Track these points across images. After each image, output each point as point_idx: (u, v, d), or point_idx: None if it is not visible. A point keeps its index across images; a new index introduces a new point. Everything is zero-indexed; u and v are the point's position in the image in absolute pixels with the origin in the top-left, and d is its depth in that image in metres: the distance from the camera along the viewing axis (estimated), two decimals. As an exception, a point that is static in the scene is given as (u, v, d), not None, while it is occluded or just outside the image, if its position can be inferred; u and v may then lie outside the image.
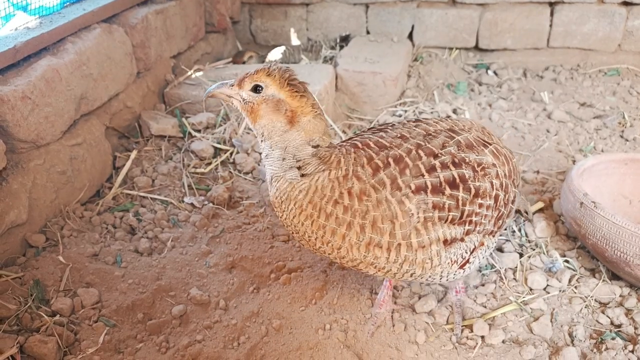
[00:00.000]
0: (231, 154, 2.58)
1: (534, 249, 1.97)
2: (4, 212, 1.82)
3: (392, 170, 1.37)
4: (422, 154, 1.41)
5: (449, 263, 1.45)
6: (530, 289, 1.80)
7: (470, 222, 1.44)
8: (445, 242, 1.41)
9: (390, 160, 1.39)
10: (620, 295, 1.76)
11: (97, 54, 2.32)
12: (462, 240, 1.44)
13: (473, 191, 1.43)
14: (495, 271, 1.87)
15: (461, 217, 1.41)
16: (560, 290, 1.79)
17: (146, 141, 2.62)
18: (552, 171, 2.48)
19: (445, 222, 1.39)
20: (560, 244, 2.01)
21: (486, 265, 1.88)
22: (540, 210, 2.16)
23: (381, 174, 1.36)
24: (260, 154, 2.58)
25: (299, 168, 1.37)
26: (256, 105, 1.38)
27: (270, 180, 1.43)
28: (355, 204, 1.35)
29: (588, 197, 1.77)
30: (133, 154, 2.45)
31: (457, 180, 1.41)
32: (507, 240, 1.99)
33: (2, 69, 1.94)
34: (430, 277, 1.48)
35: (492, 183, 1.48)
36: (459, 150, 1.46)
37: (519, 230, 2.05)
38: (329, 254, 1.42)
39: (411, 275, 1.45)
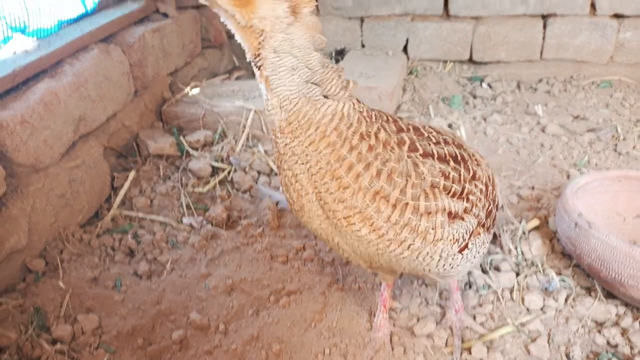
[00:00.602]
0: (229, 172, 2.59)
1: (530, 268, 1.99)
2: (4, 238, 1.83)
3: (412, 133, 1.36)
4: (429, 132, 1.44)
5: (450, 240, 1.40)
6: (527, 309, 1.82)
7: (469, 199, 1.43)
8: (449, 214, 1.37)
9: (410, 126, 1.39)
10: (616, 315, 1.79)
11: (95, 75, 2.34)
12: (462, 218, 1.42)
13: (471, 172, 1.45)
14: (492, 291, 1.89)
15: (461, 193, 1.40)
16: (556, 310, 1.82)
17: (144, 160, 2.64)
18: (547, 187, 2.51)
19: (449, 193, 1.37)
20: (556, 262, 2.03)
21: (483, 285, 1.90)
22: (536, 227, 2.18)
23: (403, 133, 1.34)
24: (258, 172, 2.60)
25: (316, 85, 1.21)
26: None
27: (281, 103, 1.21)
28: (379, 147, 1.26)
29: (583, 217, 1.79)
30: (131, 175, 2.46)
31: (459, 157, 1.43)
32: (503, 259, 2.01)
33: (1, 93, 1.95)
34: (428, 255, 1.39)
35: (483, 172, 1.53)
36: (454, 140, 1.52)
37: (515, 248, 2.07)
38: (330, 192, 1.27)
39: (408, 248, 1.35)
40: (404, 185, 1.28)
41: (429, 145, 1.38)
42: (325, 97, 1.21)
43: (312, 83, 1.19)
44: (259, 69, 1.19)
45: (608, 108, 3.27)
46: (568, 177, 2.58)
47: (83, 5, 2.58)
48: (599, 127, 3.02)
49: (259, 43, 1.16)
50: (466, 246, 1.49)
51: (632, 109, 3.25)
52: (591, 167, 2.65)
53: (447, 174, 1.37)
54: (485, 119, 3.17)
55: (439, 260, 1.43)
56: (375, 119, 1.29)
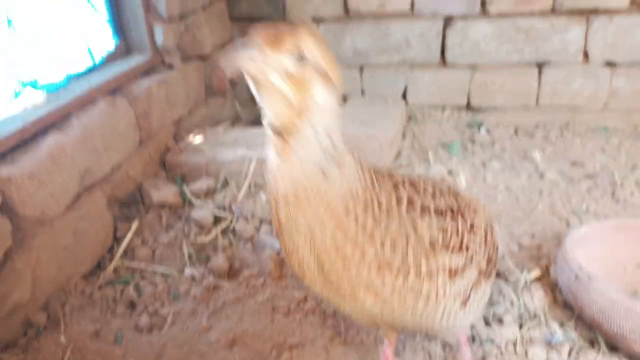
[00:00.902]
0: (231, 221, 2.61)
1: (533, 320, 1.99)
2: (8, 293, 1.84)
3: (408, 187, 1.35)
4: (425, 183, 1.44)
5: (453, 296, 1.40)
6: (531, 364, 1.81)
7: (468, 250, 1.43)
8: (450, 272, 1.36)
9: (406, 180, 1.38)
10: (620, 368, 1.78)
11: (101, 127, 2.39)
12: (462, 271, 1.41)
13: (469, 222, 1.45)
14: (495, 345, 1.88)
15: (461, 245, 1.39)
16: (560, 364, 1.81)
17: (147, 210, 2.66)
18: (547, 235, 2.52)
19: (448, 248, 1.36)
20: (558, 313, 2.03)
21: (486, 339, 1.90)
22: (538, 277, 2.19)
23: (400, 188, 1.32)
24: (260, 220, 2.62)
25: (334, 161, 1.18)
26: (307, 77, 1.08)
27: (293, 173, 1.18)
28: (383, 216, 1.24)
29: (583, 269, 1.80)
30: (134, 226, 2.48)
31: (455, 208, 1.43)
32: (506, 311, 2.01)
33: (11, 148, 2.00)
34: (431, 314, 1.39)
35: (481, 219, 1.53)
36: (449, 189, 1.53)
37: (518, 299, 2.07)
38: (334, 267, 1.25)
39: (411, 313, 1.35)
40: (405, 249, 1.28)
41: (426, 198, 1.39)
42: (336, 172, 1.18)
43: (331, 159, 1.16)
44: (281, 135, 1.12)
45: (604, 154, 3.32)
46: (568, 224, 2.60)
47: (91, 59, 2.66)
48: (596, 173, 3.06)
49: (299, 118, 1.10)
50: (468, 298, 1.48)
51: (628, 155, 3.30)
52: (590, 214, 2.68)
53: (445, 228, 1.37)
54: (484, 165, 3.22)
55: (441, 317, 1.43)
56: (377, 182, 1.29)
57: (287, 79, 1.04)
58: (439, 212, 1.39)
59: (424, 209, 1.36)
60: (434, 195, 1.42)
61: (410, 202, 1.34)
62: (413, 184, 1.41)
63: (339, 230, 1.20)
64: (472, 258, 1.45)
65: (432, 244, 1.33)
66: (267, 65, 1.03)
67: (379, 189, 1.28)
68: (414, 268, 1.29)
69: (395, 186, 1.35)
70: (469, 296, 1.48)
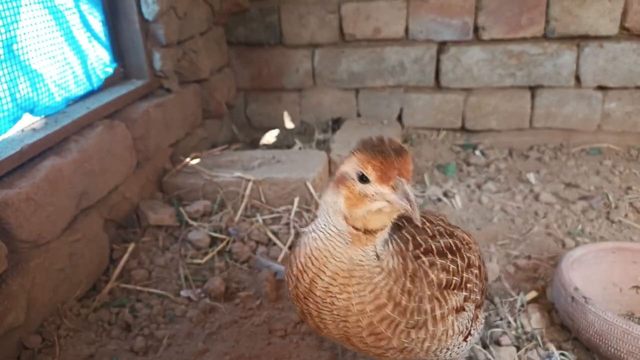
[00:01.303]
0: (227, 242, 2.61)
1: (530, 341, 1.98)
2: (3, 316, 1.82)
3: (410, 228, 1.45)
4: (423, 219, 1.50)
5: (457, 333, 1.46)
6: (529, 386, 1.80)
7: (467, 288, 1.48)
8: (456, 310, 1.43)
9: (405, 220, 1.46)
10: (618, 391, 1.77)
11: (99, 151, 2.41)
12: (463, 309, 1.47)
13: (466, 260, 1.51)
14: (493, 367, 1.87)
15: (461, 284, 1.45)
16: (558, 386, 1.80)
17: (143, 231, 2.66)
18: (543, 256, 2.53)
19: (453, 288, 1.43)
20: (555, 334, 2.03)
21: (484, 361, 1.89)
22: (535, 299, 2.19)
23: (403, 231, 1.43)
24: (257, 242, 2.62)
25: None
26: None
27: (354, 254, 1.25)
28: (413, 285, 1.33)
29: (579, 292, 1.81)
30: (130, 248, 2.48)
31: (454, 247, 1.49)
32: (503, 333, 2.01)
33: (9, 171, 2.01)
34: (439, 350, 1.45)
35: (475, 255, 1.58)
36: (446, 225, 1.59)
37: (515, 321, 2.07)
38: (363, 342, 1.33)
39: (426, 353, 1.42)
40: (427, 306, 1.34)
41: (428, 240, 1.46)
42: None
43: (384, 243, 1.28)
44: (365, 233, 1.22)
45: (599, 175, 3.35)
46: (563, 245, 2.61)
47: (90, 83, 2.69)
48: (590, 194, 3.08)
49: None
50: (469, 334, 1.54)
51: (622, 177, 3.33)
52: (585, 235, 2.69)
53: (448, 269, 1.43)
54: (479, 187, 3.24)
55: (447, 351, 1.48)
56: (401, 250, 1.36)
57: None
58: (441, 254, 1.45)
59: (427, 251, 1.42)
60: (433, 237, 1.48)
61: (415, 241, 1.42)
62: (412, 223, 1.47)
63: (378, 315, 1.28)
64: (470, 294, 1.50)
65: (439, 286, 1.40)
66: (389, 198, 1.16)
67: (399, 255, 1.34)
68: (431, 317, 1.36)
69: (399, 228, 1.44)
70: (470, 331, 1.53)
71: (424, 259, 1.40)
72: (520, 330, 2.03)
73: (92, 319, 2.13)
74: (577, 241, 2.63)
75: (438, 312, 1.37)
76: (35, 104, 2.31)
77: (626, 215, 2.83)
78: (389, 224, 1.26)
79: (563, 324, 2.06)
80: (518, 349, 1.94)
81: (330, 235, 1.25)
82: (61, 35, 2.47)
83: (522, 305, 2.13)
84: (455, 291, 1.43)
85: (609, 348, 1.70)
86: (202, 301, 2.24)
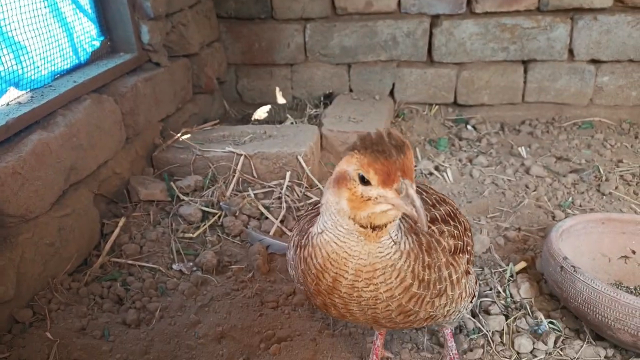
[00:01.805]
0: (219, 217, 2.61)
1: (519, 310, 2.00)
2: (-8, 290, 1.82)
3: None
4: (421, 190, 1.53)
5: (468, 295, 1.51)
6: (518, 353, 1.82)
7: (468, 251, 1.52)
8: (466, 273, 1.47)
9: None
10: (605, 357, 1.79)
11: (87, 125, 2.38)
12: (469, 272, 1.52)
13: (463, 224, 1.55)
14: (482, 335, 1.89)
15: (464, 247, 1.49)
16: (546, 353, 1.82)
17: (134, 206, 2.65)
18: (533, 228, 2.55)
19: (459, 252, 1.46)
20: (544, 304, 2.05)
21: (473, 329, 1.91)
22: (524, 269, 2.21)
23: None
24: (248, 216, 2.62)
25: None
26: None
27: (377, 250, 1.24)
28: (430, 257, 1.34)
29: (568, 261, 1.82)
30: (121, 222, 2.47)
31: (452, 213, 1.52)
32: (492, 302, 2.03)
33: (-6, 145, 1.98)
34: (455, 313, 1.49)
35: (464, 218, 1.62)
36: (436, 193, 1.62)
37: (504, 291, 2.09)
38: (392, 321, 1.35)
39: (444, 317, 1.46)
40: (445, 273, 1.37)
41: (431, 209, 1.48)
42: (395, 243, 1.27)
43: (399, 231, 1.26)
44: (374, 230, 1.18)
45: (590, 149, 3.36)
46: (553, 218, 2.63)
47: (76, 57, 2.65)
48: (581, 168, 3.09)
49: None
50: (474, 295, 1.58)
51: (613, 150, 3.34)
52: (575, 208, 2.71)
53: (454, 234, 1.46)
54: (471, 161, 3.24)
55: (458, 313, 1.52)
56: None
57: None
58: (445, 221, 1.47)
59: (434, 221, 1.44)
60: (434, 206, 1.50)
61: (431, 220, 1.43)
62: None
63: (406, 295, 1.28)
64: (470, 256, 1.54)
65: (451, 252, 1.42)
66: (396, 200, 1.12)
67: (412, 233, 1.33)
68: (449, 282, 1.38)
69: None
70: (474, 290, 1.59)
71: (433, 228, 1.40)
72: (509, 300, 2.05)
73: (84, 293, 2.13)
74: (567, 213, 2.64)
75: (454, 277, 1.40)
76: (20, 78, 2.27)
77: (616, 188, 2.85)
78: (398, 218, 1.22)
79: (552, 293, 2.08)
80: (507, 317, 1.96)
81: (342, 235, 1.21)
82: (46, 7, 2.42)
83: (512, 276, 2.15)
84: (461, 255, 1.47)
85: (597, 315, 1.72)
86: (194, 274, 2.25)
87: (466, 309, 1.57)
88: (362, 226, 1.18)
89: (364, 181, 1.11)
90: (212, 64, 3.67)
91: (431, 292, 1.33)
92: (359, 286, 1.25)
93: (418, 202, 1.07)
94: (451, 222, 1.50)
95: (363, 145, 1.11)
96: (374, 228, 1.18)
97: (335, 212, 1.20)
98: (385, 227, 1.19)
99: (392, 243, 1.24)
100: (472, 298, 1.57)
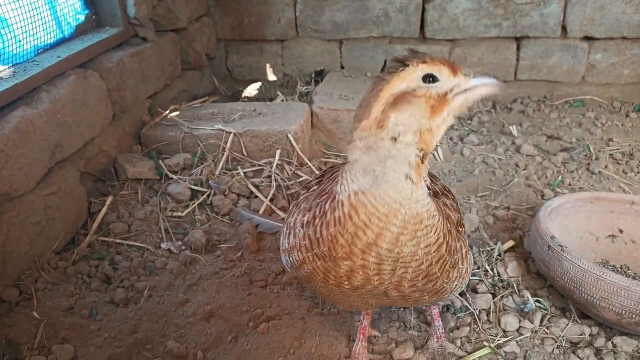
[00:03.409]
0: (208, 195, 2.59)
1: (506, 289, 2.02)
2: (-24, 269, 1.80)
3: None
4: None
5: (469, 270, 1.52)
6: (504, 331, 1.84)
7: (463, 224, 1.54)
8: (470, 247, 1.51)
9: None
10: (589, 335, 1.82)
11: (72, 101, 2.33)
12: (471, 247, 1.55)
13: (455, 200, 1.57)
14: (469, 313, 1.91)
15: (461, 220, 1.51)
16: (532, 331, 1.84)
17: (122, 185, 2.62)
18: (522, 207, 2.55)
19: (460, 225, 1.48)
20: (531, 282, 2.07)
21: (460, 308, 1.92)
22: (512, 248, 2.22)
23: None
24: (238, 195, 2.60)
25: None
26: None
27: (421, 197, 1.20)
28: (445, 224, 1.33)
29: (555, 240, 1.83)
30: (108, 200, 2.44)
31: (444, 189, 1.54)
32: (480, 281, 2.04)
33: (-25, 122, 1.94)
34: (459, 288, 1.50)
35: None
36: None
37: (492, 269, 2.10)
38: (414, 286, 1.32)
39: (451, 292, 1.46)
40: (456, 243, 1.37)
41: (430, 184, 1.43)
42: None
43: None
44: (421, 164, 1.16)
45: (581, 127, 3.36)
46: (542, 197, 2.63)
47: (60, 31, 2.58)
48: (572, 146, 3.09)
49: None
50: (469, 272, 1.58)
51: (604, 128, 3.34)
52: (565, 186, 2.71)
53: (454, 208, 1.47)
54: (462, 140, 3.23)
55: (460, 289, 1.52)
56: None
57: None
58: (444, 195, 1.47)
59: (436, 194, 1.44)
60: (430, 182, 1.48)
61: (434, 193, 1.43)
62: None
63: (437, 254, 1.27)
64: (465, 230, 1.56)
65: (456, 225, 1.42)
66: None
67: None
68: (460, 255, 1.39)
69: None
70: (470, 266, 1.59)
71: (438, 201, 1.39)
72: (496, 279, 2.06)
73: (71, 272, 2.11)
74: (557, 192, 2.65)
75: (464, 250, 1.41)
76: (2, 52, 2.20)
77: (606, 167, 2.85)
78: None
79: (539, 272, 2.10)
80: (494, 296, 1.98)
81: (399, 185, 1.15)
82: (26, -21, 2.34)
83: (499, 255, 2.16)
84: (462, 229, 1.48)
85: (583, 294, 1.73)
86: (182, 253, 2.24)
87: (462, 288, 1.56)
88: (421, 154, 1.15)
89: (433, 80, 1.11)
90: (201, 39, 3.60)
91: (451, 259, 1.34)
92: (403, 240, 1.20)
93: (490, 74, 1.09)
94: (449, 196, 1.51)
95: (403, 58, 1.11)
96: (423, 159, 1.16)
97: (394, 150, 1.13)
98: (428, 155, 1.18)
99: (427, 190, 1.23)
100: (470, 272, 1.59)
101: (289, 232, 1.43)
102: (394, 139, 1.13)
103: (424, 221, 1.21)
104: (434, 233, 1.24)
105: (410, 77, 1.10)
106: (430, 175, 1.55)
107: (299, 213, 1.41)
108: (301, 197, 1.50)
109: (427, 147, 1.15)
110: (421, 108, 1.11)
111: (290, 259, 1.42)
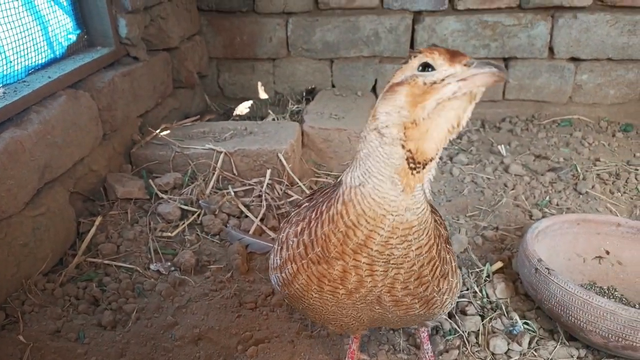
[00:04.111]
0: (198, 215, 2.59)
1: (494, 311, 2.03)
2: (-38, 293, 1.78)
3: None
4: None
5: (459, 288, 1.53)
6: (493, 354, 1.85)
7: (450, 242, 1.55)
8: (459, 268, 1.52)
9: None
10: (577, 358, 1.83)
11: (62, 122, 2.33)
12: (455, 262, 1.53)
13: (442, 217, 1.60)
14: (458, 336, 1.91)
15: (448, 237, 1.52)
16: (521, 354, 1.85)
17: (111, 204, 2.61)
18: (510, 227, 2.57)
19: (447, 243, 1.49)
20: (520, 304, 2.08)
21: (450, 330, 1.93)
22: (500, 269, 2.23)
23: None
24: (228, 214, 2.60)
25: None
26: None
27: (415, 205, 1.16)
28: (436, 229, 1.32)
29: (543, 263, 1.85)
30: (97, 221, 2.43)
31: (433, 207, 1.51)
32: (469, 302, 2.05)
33: (-36, 143, 1.93)
34: (449, 304, 1.49)
35: None
36: None
37: (480, 291, 2.11)
38: (406, 289, 1.29)
39: (441, 306, 1.43)
40: (446, 254, 1.38)
41: None
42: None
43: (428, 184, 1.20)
44: (415, 169, 1.10)
45: (568, 147, 3.40)
46: (531, 217, 2.66)
47: (51, 51, 2.58)
48: (559, 166, 3.13)
49: (444, 143, 1.11)
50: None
51: (591, 148, 3.38)
52: (553, 207, 2.74)
53: (443, 224, 1.50)
54: (451, 159, 3.26)
55: (450, 306, 1.51)
56: None
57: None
58: (433, 211, 1.46)
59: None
60: None
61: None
62: None
63: (428, 256, 1.25)
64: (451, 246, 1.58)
65: (445, 240, 1.44)
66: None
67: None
68: (450, 268, 1.39)
69: None
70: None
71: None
72: (485, 300, 2.07)
73: (59, 294, 2.09)
74: (545, 212, 2.68)
75: (453, 264, 1.42)
76: (-8, 73, 2.21)
77: (593, 187, 2.89)
78: (444, 145, 1.11)
79: (527, 293, 2.11)
80: (483, 318, 1.99)
81: (382, 188, 1.12)
82: (18, 0, 2.35)
83: (488, 276, 2.17)
84: (449, 247, 1.49)
85: (570, 317, 1.75)
86: (171, 274, 2.23)
87: (452, 305, 1.54)
88: (410, 158, 1.09)
89: (426, 70, 1.05)
90: (193, 57, 3.62)
91: (441, 266, 1.32)
92: (393, 243, 1.17)
93: (493, 63, 0.99)
94: (437, 212, 1.52)
95: (416, 50, 1.08)
96: (416, 165, 1.10)
97: (379, 145, 1.10)
98: (427, 165, 1.11)
99: (425, 199, 1.18)
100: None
101: (281, 248, 1.43)
102: (380, 133, 1.10)
103: (415, 227, 1.18)
104: (426, 235, 1.22)
105: (409, 67, 1.07)
106: None
107: (290, 227, 1.41)
108: (292, 214, 1.52)
109: (416, 147, 1.07)
110: (402, 96, 1.05)
111: (283, 274, 1.40)
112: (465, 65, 1.02)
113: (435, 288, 1.34)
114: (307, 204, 1.48)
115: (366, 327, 1.58)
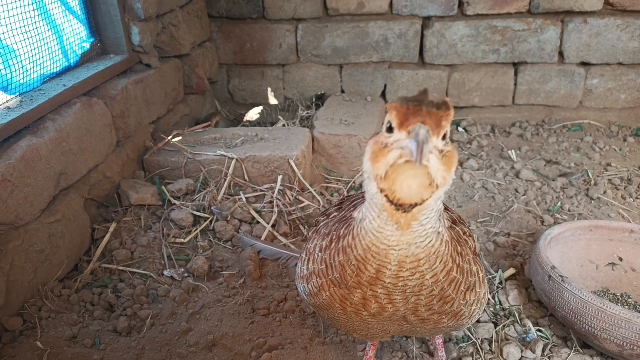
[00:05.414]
0: (211, 221, 2.61)
1: (508, 318, 2.03)
2: (-19, 299, 1.81)
3: None
4: None
5: (486, 295, 1.52)
6: (506, 362, 1.85)
7: (477, 253, 1.54)
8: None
9: None
10: (591, 365, 1.83)
11: (77, 129, 2.36)
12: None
13: (467, 228, 1.57)
14: (472, 343, 1.91)
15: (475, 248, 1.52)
16: (534, 362, 1.85)
17: (125, 211, 2.64)
18: (522, 233, 2.57)
19: (476, 254, 1.49)
20: (533, 311, 2.08)
21: (463, 337, 1.93)
22: (513, 276, 2.23)
23: None
24: (240, 221, 2.62)
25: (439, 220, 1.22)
26: (452, 153, 1.08)
27: (415, 240, 1.15)
28: (460, 245, 1.33)
29: (556, 270, 1.85)
30: (112, 227, 2.46)
31: (457, 219, 1.53)
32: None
33: (-18, 152, 1.96)
34: (477, 314, 1.48)
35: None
36: None
37: (494, 298, 2.11)
38: (431, 310, 1.30)
39: (470, 317, 1.43)
40: (472, 266, 1.37)
41: (447, 212, 1.46)
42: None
43: (440, 218, 1.19)
44: (404, 209, 1.08)
45: (579, 152, 3.39)
46: (542, 223, 2.66)
47: (66, 59, 2.62)
48: (571, 172, 3.12)
49: (432, 192, 1.06)
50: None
51: (602, 153, 3.37)
52: (564, 212, 2.73)
53: (472, 235, 1.49)
54: (462, 165, 3.26)
55: (478, 316, 1.50)
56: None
57: (440, 158, 1.02)
58: (461, 222, 1.49)
59: (454, 222, 1.44)
60: (446, 209, 1.49)
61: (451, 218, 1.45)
62: None
63: (448, 279, 1.26)
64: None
65: (474, 252, 1.44)
66: (431, 150, 1.00)
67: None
68: (478, 279, 1.39)
69: None
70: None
71: (457, 228, 1.40)
72: (498, 307, 2.07)
73: (74, 300, 2.12)
74: (556, 218, 2.67)
75: (481, 274, 1.42)
76: (9, 82, 2.24)
77: (605, 192, 2.88)
78: (432, 199, 1.07)
79: (540, 300, 2.11)
80: (496, 325, 1.99)
81: (376, 224, 1.13)
82: (35, 10, 2.39)
83: (501, 283, 2.18)
84: (478, 258, 1.49)
85: (584, 325, 1.75)
86: (185, 281, 2.25)
87: (480, 314, 1.54)
88: (388, 199, 1.08)
89: (390, 130, 1.04)
90: (204, 64, 3.65)
91: (465, 281, 1.32)
92: (404, 276, 1.19)
93: (422, 138, 0.95)
94: (465, 224, 1.53)
95: (402, 98, 1.03)
96: (398, 206, 1.07)
97: (366, 181, 1.13)
98: (414, 209, 1.08)
99: (434, 231, 1.16)
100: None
101: (308, 258, 1.43)
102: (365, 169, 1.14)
103: (424, 259, 1.18)
104: (440, 262, 1.21)
105: (386, 120, 1.07)
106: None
107: (319, 238, 1.41)
108: (321, 224, 1.51)
109: (392, 196, 1.06)
110: (369, 147, 1.09)
111: (309, 286, 1.41)
112: (408, 132, 0.99)
113: (462, 302, 1.34)
114: (336, 213, 1.49)
115: (396, 334, 1.59)
